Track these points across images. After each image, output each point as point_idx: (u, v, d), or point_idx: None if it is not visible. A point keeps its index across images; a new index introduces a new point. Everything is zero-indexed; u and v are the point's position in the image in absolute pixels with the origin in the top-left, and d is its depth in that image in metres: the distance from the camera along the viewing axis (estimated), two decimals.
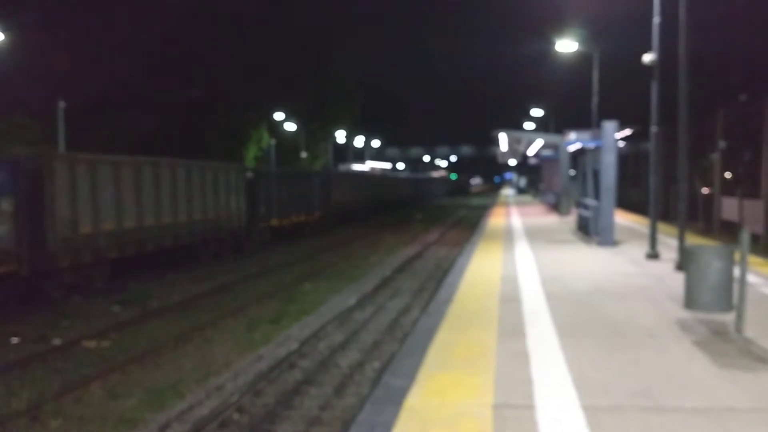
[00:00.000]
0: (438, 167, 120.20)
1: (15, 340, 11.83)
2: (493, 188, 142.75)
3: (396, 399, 5.68)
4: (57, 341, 11.76)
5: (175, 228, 19.71)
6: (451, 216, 48.27)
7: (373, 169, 66.70)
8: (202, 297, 15.87)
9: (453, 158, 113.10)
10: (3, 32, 21.82)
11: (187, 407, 8.47)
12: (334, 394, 9.01)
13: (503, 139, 31.03)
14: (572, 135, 21.83)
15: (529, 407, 5.45)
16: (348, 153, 70.58)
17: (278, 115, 50.60)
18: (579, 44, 26.97)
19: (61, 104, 28.20)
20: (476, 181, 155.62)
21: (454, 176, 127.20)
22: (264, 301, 15.31)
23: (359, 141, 74.06)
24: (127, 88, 43.40)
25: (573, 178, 31.03)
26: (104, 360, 10.63)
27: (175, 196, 19.69)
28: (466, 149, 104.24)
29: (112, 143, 34.83)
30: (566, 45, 26.87)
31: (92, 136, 36.63)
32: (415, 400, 5.67)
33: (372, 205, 46.61)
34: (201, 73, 44.71)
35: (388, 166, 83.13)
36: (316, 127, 57.56)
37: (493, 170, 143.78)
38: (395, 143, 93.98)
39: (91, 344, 11.57)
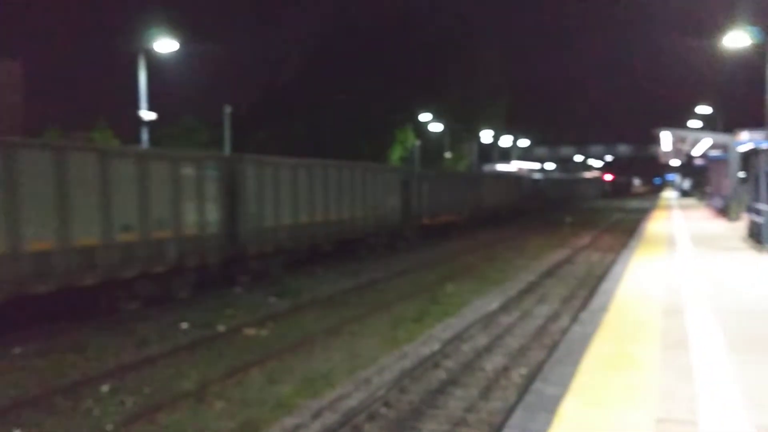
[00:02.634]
0: (591, 167, 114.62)
1: (184, 325, 12.94)
2: (652, 190, 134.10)
3: (549, 407, 5.52)
4: (221, 328, 12.70)
5: (502, 204, 41.61)
6: (604, 220, 46.04)
7: (520, 169, 65.26)
8: (349, 293, 16.42)
9: (608, 158, 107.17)
10: (178, 43, 23.96)
11: (337, 397, 8.79)
12: (480, 396, 8.91)
13: (666, 138, 29.15)
14: (744, 134, 19.97)
15: (693, 423, 5.10)
16: (493, 153, 69.46)
17: (424, 116, 50.98)
18: (751, 39, 24.61)
19: (227, 109, 30.40)
20: (635, 182, 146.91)
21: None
22: (407, 299, 15.51)
23: (506, 140, 72.61)
24: (284, 94, 46.02)
25: (743, 180, 28.56)
26: (262, 347, 11.31)
27: (495, 191, 41.03)
28: (623, 148, 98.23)
29: (269, 145, 37.07)
30: (736, 39, 24.58)
31: (251, 139, 39.26)
32: (570, 409, 5.47)
33: (560, 197, 66.90)
34: (350, 79, 46.31)
35: (536, 166, 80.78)
36: (461, 128, 57.29)
37: (652, 171, 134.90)
38: (544, 142, 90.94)
39: (251, 332, 12.37)
